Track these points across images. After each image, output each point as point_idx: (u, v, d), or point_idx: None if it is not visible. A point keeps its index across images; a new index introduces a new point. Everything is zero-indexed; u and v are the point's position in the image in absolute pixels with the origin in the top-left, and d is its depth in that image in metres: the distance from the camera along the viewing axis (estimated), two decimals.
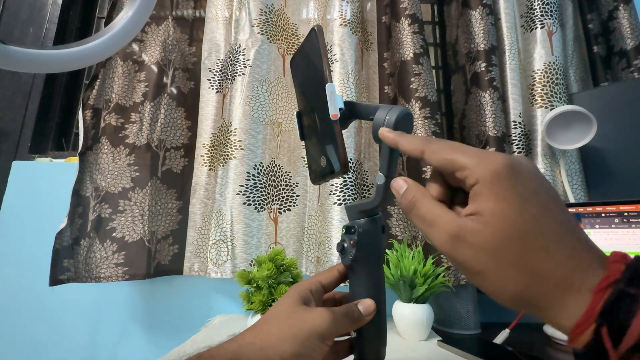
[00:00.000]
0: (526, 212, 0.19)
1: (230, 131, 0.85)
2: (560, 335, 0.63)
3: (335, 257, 0.77)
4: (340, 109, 0.29)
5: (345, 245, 0.32)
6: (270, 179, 0.87)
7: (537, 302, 0.19)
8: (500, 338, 0.61)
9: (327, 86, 0.29)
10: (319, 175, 0.33)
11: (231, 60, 0.92)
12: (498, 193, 0.19)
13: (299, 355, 0.28)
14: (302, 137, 0.35)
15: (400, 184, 0.25)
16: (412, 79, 0.84)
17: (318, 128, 0.32)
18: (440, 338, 0.65)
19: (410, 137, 0.26)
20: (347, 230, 0.32)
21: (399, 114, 0.28)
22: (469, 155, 0.21)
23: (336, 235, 0.78)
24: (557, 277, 0.18)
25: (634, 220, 0.53)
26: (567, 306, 0.18)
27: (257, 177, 0.85)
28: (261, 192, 0.85)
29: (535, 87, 0.86)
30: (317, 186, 0.88)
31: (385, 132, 0.28)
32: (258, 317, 0.60)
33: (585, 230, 0.56)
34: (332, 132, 0.30)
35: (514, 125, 0.85)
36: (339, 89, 0.85)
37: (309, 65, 0.33)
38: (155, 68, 0.90)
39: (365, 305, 0.32)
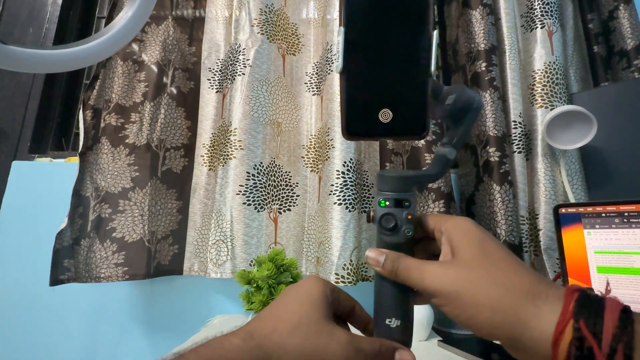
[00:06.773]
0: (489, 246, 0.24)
1: (230, 131, 0.85)
2: None
3: (335, 258, 0.76)
4: None
5: (399, 220, 0.26)
6: (270, 179, 0.87)
7: (513, 314, 0.21)
8: None
9: (435, 34, 0.25)
10: (373, 130, 0.27)
11: (231, 60, 0.92)
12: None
13: None
14: (343, 70, 0.27)
15: (378, 253, 0.26)
16: None
17: (387, 71, 0.26)
18: (440, 338, 0.65)
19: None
20: (398, 203, 0.27)
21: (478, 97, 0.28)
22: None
23: (336, 235, 0.77)
24: (526, 288, 0.21)
25: (634, 220, 0.53)
26: (542, 312, 0.20)
27: (257, 177, 0.85)
28: (261, 192, 0.85)
29: (535, 87, 0.86)
30: (317, 186, 0.88)
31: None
32: None
33: (585, 230, 0.56)
34: (422, 89, 0.26)
35: (514, 125, 0.85)
36: None
37: None
38: (155, 68, 0.90)
39: (405, 357, 0.26)
